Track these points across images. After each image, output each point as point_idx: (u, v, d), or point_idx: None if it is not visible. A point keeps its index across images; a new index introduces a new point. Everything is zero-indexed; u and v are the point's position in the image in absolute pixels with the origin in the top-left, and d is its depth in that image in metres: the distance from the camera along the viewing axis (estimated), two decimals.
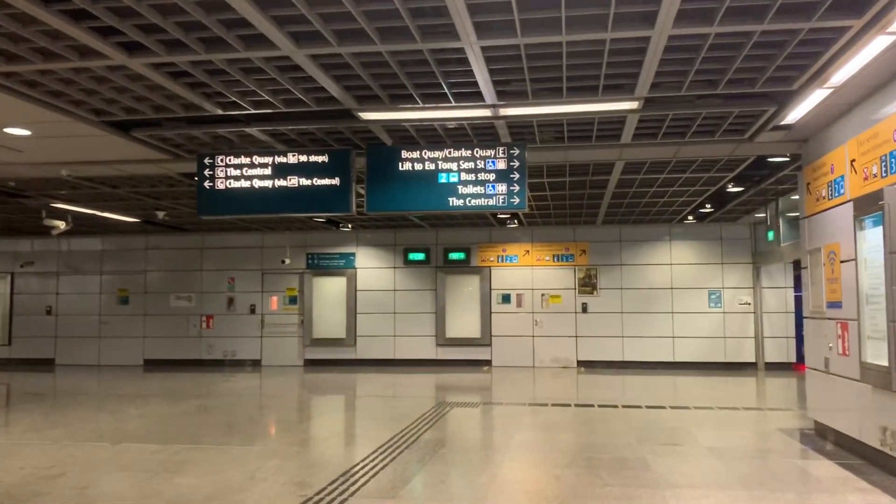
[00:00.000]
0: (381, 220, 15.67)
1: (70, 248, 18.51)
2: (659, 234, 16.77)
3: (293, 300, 17.63)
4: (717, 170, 10.16)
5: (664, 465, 6.34)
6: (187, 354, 17.82)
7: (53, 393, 12.70)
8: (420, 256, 17.25)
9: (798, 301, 16.38)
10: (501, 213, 14.42)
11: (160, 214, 13.70)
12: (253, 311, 17.72)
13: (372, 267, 17.49)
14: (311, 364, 17.36)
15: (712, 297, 16.50)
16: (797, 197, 12.26)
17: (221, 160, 8.13)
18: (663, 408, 9.97)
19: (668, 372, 15.78)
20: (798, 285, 16.52)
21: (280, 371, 16.34)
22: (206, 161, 8.17)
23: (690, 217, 15.60)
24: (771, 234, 12.93)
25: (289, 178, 8.00)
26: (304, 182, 7.97)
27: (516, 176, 7.66)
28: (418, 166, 7.78)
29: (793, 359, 16.20)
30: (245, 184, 8.08)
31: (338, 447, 7.32)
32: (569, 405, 10.23)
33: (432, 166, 7.76)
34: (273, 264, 17.50)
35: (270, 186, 8.04)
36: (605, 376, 14.75)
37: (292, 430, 8.43)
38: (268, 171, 8.05)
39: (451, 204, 7.73)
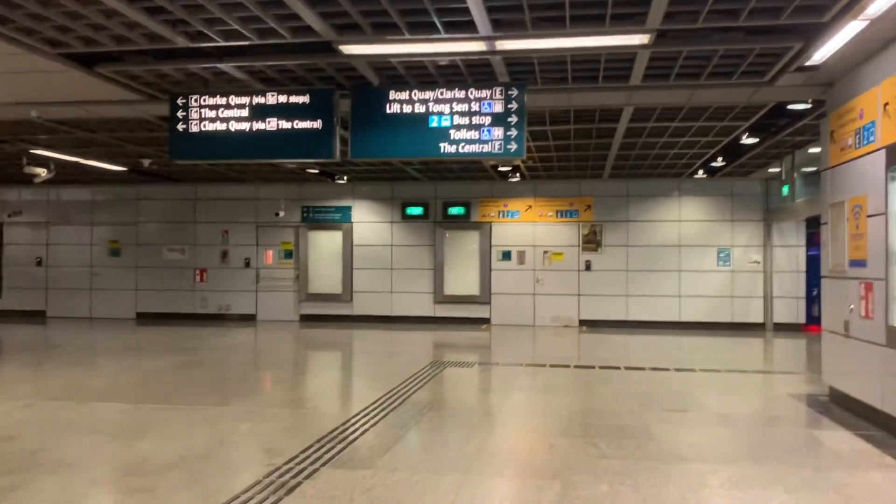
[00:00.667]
0: (378, 171, 15.04)
1: (60, 198, 17.98)
2: (668, 188, 16.11)
3: (289, 254, 17.13)
4: (732, 118, 9.47)
5: (669, 435, 5.84)
6: (181, 308, 17.41)
7: (35, 347, 12.30)
8: (418, 211, 16.66)
9: (810, 260, 15.78)
10: (502, 166, 13.77)
11: (145, 162, 13.11)
12: (248, 264, 17.23)
13: (369, 221, 16.92)
14: (307, 319, 16.93)
15: (721, 255, 15.91)
16: (816, 150, 11.58)
17: (195, 100, 7.50)
18: (668, 370, 9.48)
19: (673, 332, 15.28)
20: (811, 244, 15.91)
21: (275, 326, 15.92)
22: (180, 101, 7.55)
23: (701, 172, 14.92)
24: (786, 189, 12.28)
25: (267, 120, 7.38)
26: (284, 125, 7.35)
27: (514, 119, 7.02)
28: (407, 108, 7.14)
29: (802, 320, 15.68)
30: (220, 126, 7.47)
31: (321, 408, 6.85)
32: (568, 366, 9.75)
33: (422, 108, 7.12)
34: (268, 217, 16.96)
35: (248, 130, 7.43)
36: (608, 336, 14.27)
37: (276, 388, 7.98)
38: (245, 113, 7.43)
39: (442, 150, 7.11)
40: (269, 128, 7.38)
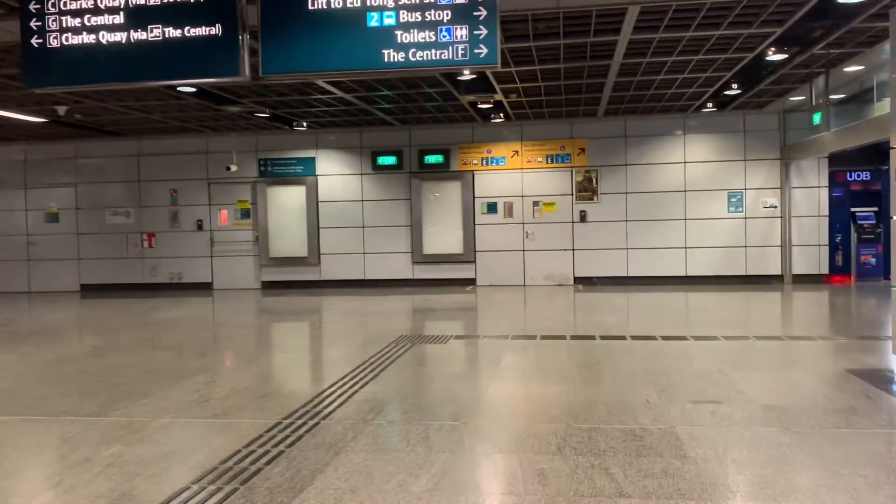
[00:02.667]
0: (341, 115, 13.07)
1: None
2: (671, 126, 14.21)
3: (245, 214, 15.23)
4: (760, 23, 7.55)
5: (705, 447, 4.09)
6: (128, 278, 15.57)
7: None
8: (391, 160, 14.73)
9: (833, 203, 14.02)
10: (481, 102, 11.83)
11: (60, 110, 11.12)
12: (200, 226, 15.34)
13: (335, 174, 14.99)
14: (270, 287, 15.12)
15: (732, 199, 14.10)
16: (855, 69, 9.71)
17: (53, 4, 5.54)
18: (684, 338, 7.74)
19: (679, 288, 13.56)
20: (834, 184, 14.12)
21: (232, 295, 14.12)
22: (32, 6, 5.59)
23: (710, 105, 13.02)
24: (818, 118, 10.40)
25: (150, 27, 5.44)
26: (173, 33, 5.42)
27: (483, 14, 5.11)
28: (336, 2, 5.21)
29: (825, 270, 13.98)
30: (89, 38, 5.53)
31: (228, 418, 5.05)
32: (563, 337, 8.00)
33: (357, 1, 5.19)
34: (220, 173, 15.00)
35: (125, 41, 5.49)
36: (607, 295, 12.52)
37: (184, 386, 6.17)
38: (119, 19, 5.48)
39: (385, 59, 5.21)
40: (152, 37, 5.44)
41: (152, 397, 5.53)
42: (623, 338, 7.85)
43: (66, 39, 5.54)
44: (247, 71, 5.42)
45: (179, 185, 15.38)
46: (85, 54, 5.52)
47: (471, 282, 14.63)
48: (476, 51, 5.11)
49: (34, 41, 5.57)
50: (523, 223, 14.50)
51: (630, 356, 6.80)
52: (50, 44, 5.56)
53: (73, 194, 15.71)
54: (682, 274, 14.20)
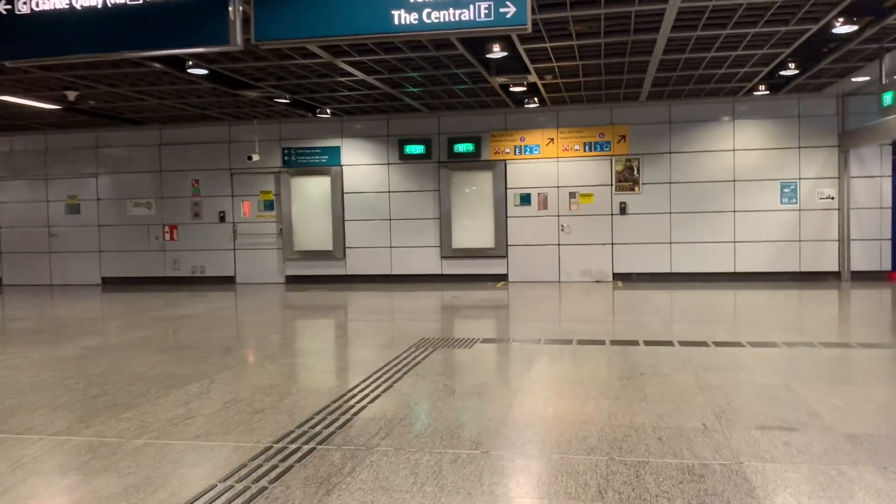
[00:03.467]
0: (366, 100, 12.37)
1: (8, 148, 15.61)
2: (719, 111, 13.22)
3: (269, 205, 14.64)
4: None
5: (785, 493, 3.28)
6: (150, 271, 15.11)
7: None
8: (419, 149, 13.99)
9: None
10: (513, 84, 11.00)
11: (70, 95, 10.60)
12: (223, 218, 14.80)
13: (361, 164, 14.31)
14: (294, 281, 14.53)
15: (785, 190, 13.07)
16: None
17: None
18: (740, 345, 6.87)
19: (728, 285, 12.60)
20: None
21: (255, 290, 13.55)
22: None
23: (762, 87, 12.00)
24: (889, 97, 9.37)
25: None
26: None
27: None
28: None
29: (887, 266, 12.90)
30: (61, 3, 4.87)
31: (191, 451, 4.36)
32: (602, 342, 7.18)
33: None
34: (243, 162, 14.42)
35: (101, 6, 4.82)
36: (649, 293, 11.64)
37: (171, 398, 5.53)
38: None
39: (395, 22, 4.46)
40: (132, 2, 4.76)
41: (134, 411, 4.88)
42: (670, 343, 7.01)
43: (37, 5, 4.89)
44: (238, 39, 4.71)
45: (201, 176, 14.85)
46: (58, 21, 4.86)
47: (502, 278, 13.84)
48: (502, 10, 4.33)
49: (1, 7, 4.94)
50: (559, 216, 13.66)
51: (680, 366, 5.97)
52: (19, 9, 4.92)
53: (94, 185, 15.30)
54: (731, 270, 13.22)
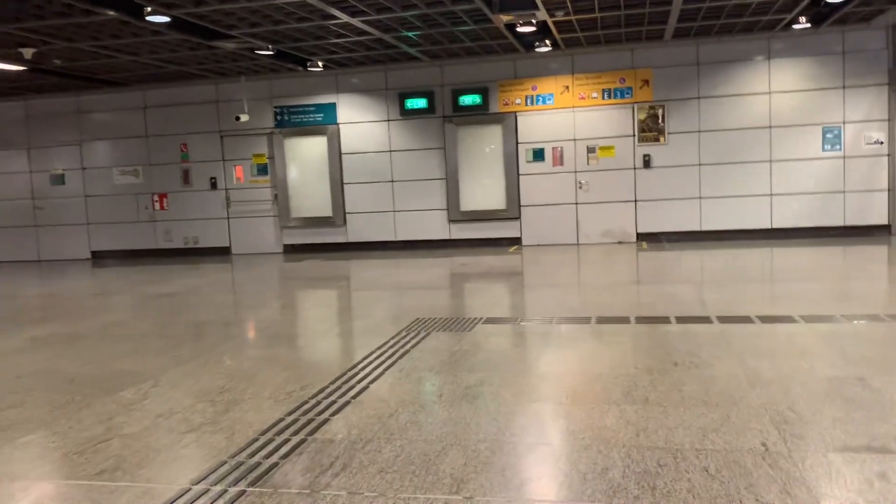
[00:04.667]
0: (359, 49, 11.18)
1: None
2: (753, 50, 11.85)
3: (262, 170, 13.60)
4: None
5: None
6: (141, 244, 14.22)
7: None
8: (421, 103, 12.81)
9: None
10: (522, 24, 9.74)
11: (26, 53, 9.54)
12: (214, 185, 13.80)
13: (359, 121, 13.17)
14: (293, 250, 13.56)
15: (828, 136, 11.76)
16: None
17: None
18: (791, 319, 5.76)
19: (765, 244, 11.42)
20: None
21: (249, 262, 12.60)
22: None
23: (803, 19, 10.62)
24: None
25: None
26: None
27: None
28: None
29: None
30: None
31: (82, 498, 3.40)
32: (626, 319, 6.10)
33: None
34: (233, 123, 13.34)
35: None
36: (678, 255, 10.49)
37: (98, 407, 4.57)
38: None
39: None
40: None
41: (39, 433, 3.90)
42: (707, 319, 5.91)
43: None
44: None
45: (190, 140, 13.83)
46: None
47: (515, 241, 12.75)
48: None
49: None
50: (576, 171, 12.47)
51: (722, 352, 4.87)
52: None
53: (77, 153, 14.35)
54: (767, 227, 12.01)
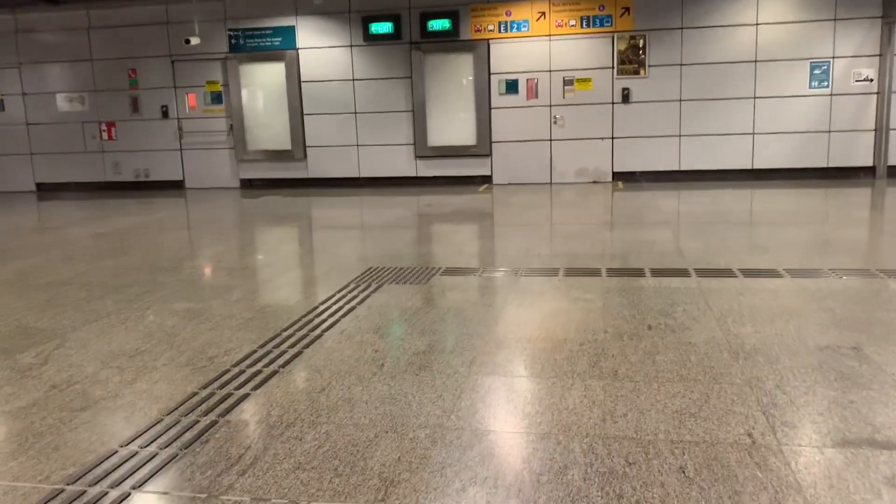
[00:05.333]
0: None
1: None
2: None
3: (217, 98, 12.72)
4: None
5: None
6: (89, 176, 13.39)
7: None
8: (386, 28, 11.94)
9: None
10: None
11: None
12: (165, 114, 12.92)
13: (320, 46, 12.29)
14: (250, 186, 12.83)
15: (816, 71, 11.17)
16: None
17: None
18: (776, 273, 5.30)
19: (746, 185, 10.93)
20: None
21: (202, 197, 11.88)
22: None
23: None
24: None
25: None
26: None
27: None
28: None
29: None
30: None
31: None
32: (597, 272, 5.59)
33: None
34: (184, 47, 12.37)
35: None
36: (655, 196, 9.99)
37: None
38: None
39: None
40: None
41: None
42: (685, 273, 5.42)
43: None
44: None
45: (138, 65, 12.85)
46: None
47: (486, 179, 12.14)
48: None
49: None
50: (550, 105, 11.79)
51: (701, 312, 4.39)
52: None
53: (17, 76, 13.30)
54: (748, 167, 11.52)
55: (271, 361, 3.76)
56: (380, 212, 9.84)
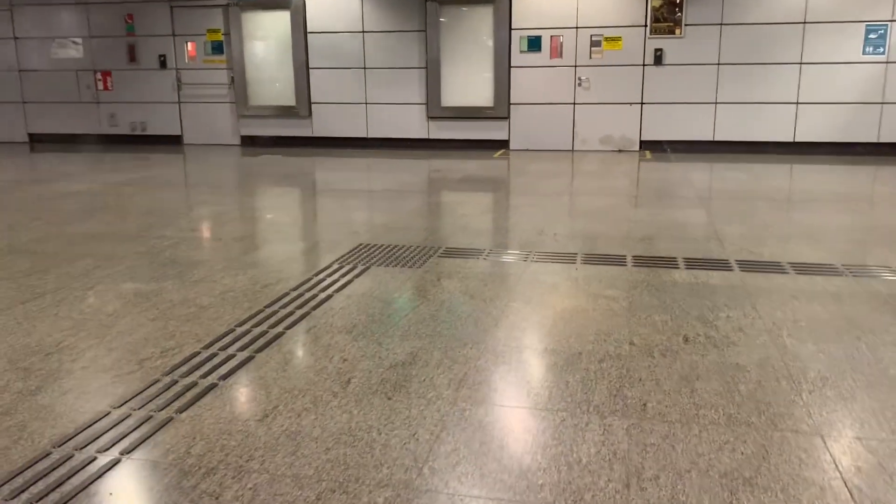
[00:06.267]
0: None
1: None
2: None
3: (218, 48, 11.89)
4: None
5: None
6: (84, 128, 12.68)
7: None
8: None
9: None
10: None
11: None
12: (163, 63, 12.12)
13: None
14: (251, 143, 12.06)
15: (871, 36, 10.11)
16: None
17: None
18: (834, 270, 4.47)
19: (786, 160, 9.98)
20: None
21: (202, 154, 11.15)
22: None
23: None
24: None
25: None
26: None
27: None
28: None
29: None
30: None
31: None
32: (621, 259, 4.78)
33: None
34: None
35: None
36: (687, 169, 9.09)
37: None
38: None
39: None
40: None
41: None
42: (726, 265, 4.60)
43: None
44: None
45: (136, 10, 12.01)
46: None
47: (503, 144, 11.26)
48: None
49: None
50: (575, 66, 10.83)
51: (749, 320, 3.58)
52: None
53: (9, 18, 12.52)
54: (789, 139, 10.54)
55: (213, 369, 3.02)
56: (385, 176, 9.05)
